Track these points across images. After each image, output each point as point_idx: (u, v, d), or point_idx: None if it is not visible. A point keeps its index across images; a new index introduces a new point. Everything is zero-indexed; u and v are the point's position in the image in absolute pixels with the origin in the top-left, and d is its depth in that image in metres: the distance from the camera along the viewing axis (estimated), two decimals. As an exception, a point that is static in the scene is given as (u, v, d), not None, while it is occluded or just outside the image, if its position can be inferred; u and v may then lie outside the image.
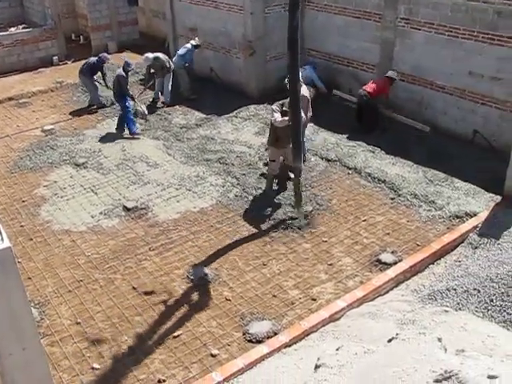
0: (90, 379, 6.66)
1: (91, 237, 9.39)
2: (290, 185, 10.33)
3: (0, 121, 14.42)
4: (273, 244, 9.04)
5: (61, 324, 7.49)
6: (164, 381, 6.58)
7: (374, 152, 11.75)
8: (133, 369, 6.76)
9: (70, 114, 14.69)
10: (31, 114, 14.78)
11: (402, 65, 12.92)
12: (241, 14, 14.53)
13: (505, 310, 6.82)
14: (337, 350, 5.77)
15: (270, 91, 14.04)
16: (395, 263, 8.35)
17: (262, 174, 10.91)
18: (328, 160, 11.47)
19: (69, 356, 6.98)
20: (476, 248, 8.60)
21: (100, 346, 7.11)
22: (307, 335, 6.97)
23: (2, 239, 4.19)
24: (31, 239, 9.38)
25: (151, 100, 14.97)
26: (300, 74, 9.42)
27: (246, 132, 13.05)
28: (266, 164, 11.07)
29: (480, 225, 9.04)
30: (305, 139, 11.41)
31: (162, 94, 14.93)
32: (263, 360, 6.57)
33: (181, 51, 15.18)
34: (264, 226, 9.47)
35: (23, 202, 10.52)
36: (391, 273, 8.02)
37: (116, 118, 13.52)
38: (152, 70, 14.79)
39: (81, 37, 21.42)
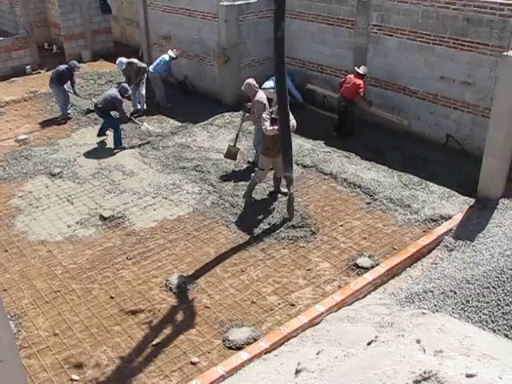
0: (68, 391, 6.60)
1: (68, 247, 9.31)
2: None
3: (-28, 131, 14.24)
4: (250, 250, 9.05)
5: (38, 336, 7.40)
6: (144, 390, 6.54)
7: (349, 157, 11.85)
8: (112, 379, 6.71)
9: (44, 123, 14.55)
10: (4, 124, 14.61)
11: (375, 71, 13.07)
12: (215, 21, 14.58)
13: (481, 311, 6.93)
14: (317, 354, 5.80)
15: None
16: (372, 267, 8.40)
17: (251, 163, 11.56)
18: (304, 166, 11.53)
19: (47, 368, 6.89)
20: (451, 250, 8.72)
21: (79, 357, 7.04)
22: (287, 340, 6.98)
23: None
24: (6, 250, 9.25)
25: (131, 112, 14.65)
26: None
27: (221, 139, 13.07)
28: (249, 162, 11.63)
29: (455, 227, 9.18)
30: None
31: (138, 103, 14.85)
32: (244, 366, 6.57)
33: (157, 62, 15.06)
34: (242, 233, 9.48)
35: (-3, 213, 10.40)
36: (369, 277, 8.07)
37: (91, 128, 13.42)
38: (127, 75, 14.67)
39: (54, 46, 21.23)
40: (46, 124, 14.50)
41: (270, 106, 13.58)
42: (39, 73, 18.62)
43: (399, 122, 12.70)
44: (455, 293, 7.31)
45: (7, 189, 11.22)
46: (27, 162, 12.21)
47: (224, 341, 7.18)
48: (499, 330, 6.63)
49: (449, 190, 10.42)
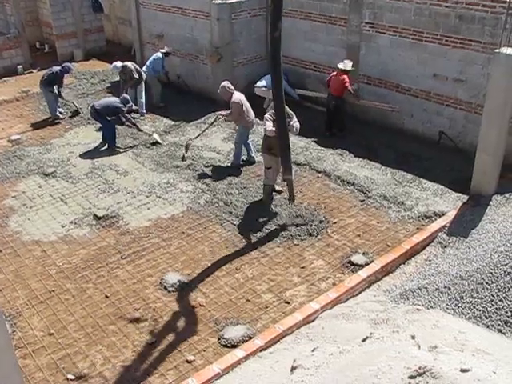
0: (64, 390, 6.60)
1: (62, 246, 9.29)
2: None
3: (-35, 132, 14.18)
4: (245, 248, 9.06)
5: (33, 336, 7.39)
6: (140, 389, 6.55)
7: (342, 155, 11.88)
8: (108, 378, 6.71)
9: (37, 123, 14.49)
10: (-3, 124, 14.57)
11: (368, 68, 13.10)
12: (207, 20, 14.56)
13: (474, 307, 6.96)
14: (312, 351, 5.82)
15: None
16: (367, 264, 8.44)
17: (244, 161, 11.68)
18: (297, 164, 11.54)
19: (42, 368, 6.88)
20: (445, 247, 8.76)
21: (74, 357, 7.04)
22: (282, 338, 7.00)
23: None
24: (0, 251, 9.23)
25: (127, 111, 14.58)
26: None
27: (214, 138, 13.07)
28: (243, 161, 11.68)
29: (448, 224, 9.22)
30: (249, 141, 11.79)
31: (135, 106, 14.78)
32: (239, 364, 6.59)
33: (151, 60, 15.02)
34: (236, 232, 9.49)
35: (-9, 213, 10.37)
36: (363, 274, 8.10)
37: (84, 127, 13.35)
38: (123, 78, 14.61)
39: (46, 45, 21.11)
40: (38, 124, 14.44)
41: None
42: (31, 72, 18.52)
43: (391, 110, 12.71)
44: (449, 289, 7.35)
45: (0, 189, 11.17)
46: (20, 162, 12.18)
47: (219, 339, 7.19)
48: (493, 326, 6.67)
49: (442, 186, 10.46)
